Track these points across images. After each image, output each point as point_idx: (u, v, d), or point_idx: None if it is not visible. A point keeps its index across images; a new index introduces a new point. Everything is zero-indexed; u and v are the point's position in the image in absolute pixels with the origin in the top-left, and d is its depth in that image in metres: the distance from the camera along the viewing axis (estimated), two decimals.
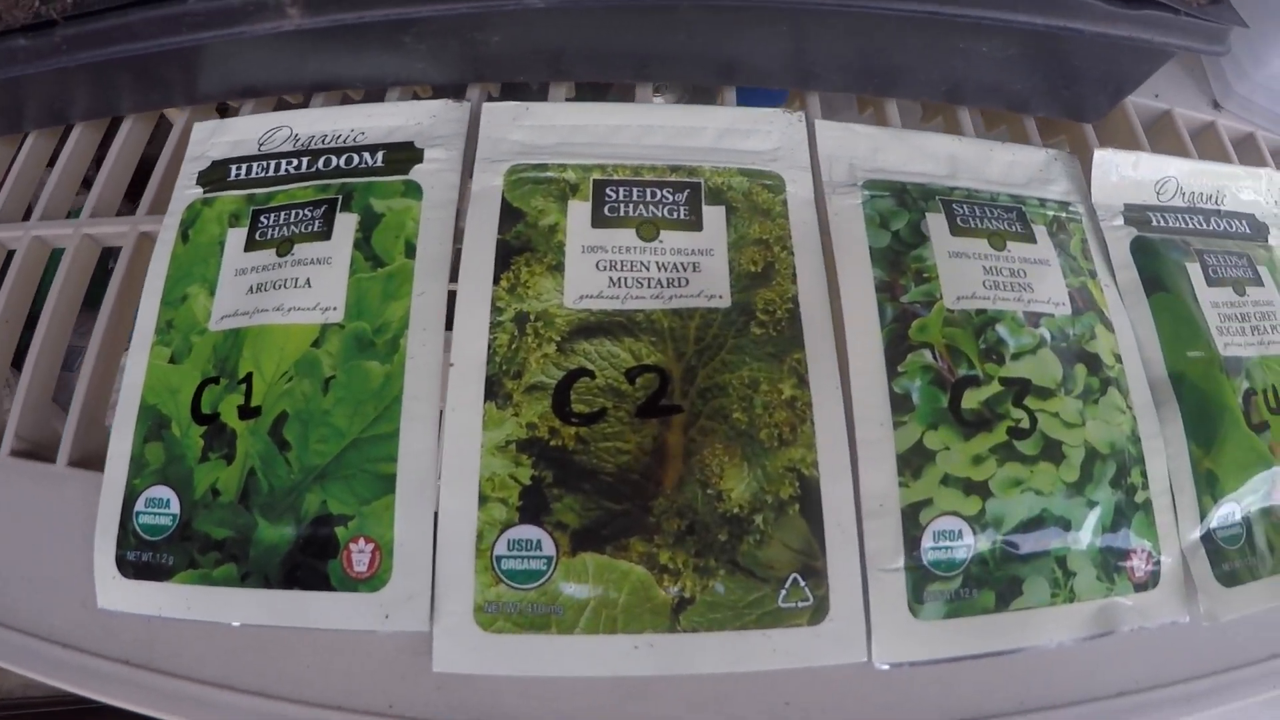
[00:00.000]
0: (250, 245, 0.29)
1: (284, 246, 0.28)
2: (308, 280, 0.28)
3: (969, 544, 0.25)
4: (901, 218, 0.30)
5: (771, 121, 0.31)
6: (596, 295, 0.27)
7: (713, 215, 0.29)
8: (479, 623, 0.24)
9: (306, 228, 0.29)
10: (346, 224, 0.29)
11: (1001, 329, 0.28)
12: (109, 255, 0.33)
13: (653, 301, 0.27)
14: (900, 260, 0.29)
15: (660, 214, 0.29)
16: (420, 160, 0.30)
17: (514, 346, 0.26)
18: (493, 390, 0.26)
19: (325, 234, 0.28)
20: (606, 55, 0.32)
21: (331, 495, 0.25)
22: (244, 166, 0.31)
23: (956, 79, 0.33)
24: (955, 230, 0.30)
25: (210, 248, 0.29)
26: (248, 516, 0.25)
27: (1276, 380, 0.30)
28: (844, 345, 0.27)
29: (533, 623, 0.24)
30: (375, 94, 0.34)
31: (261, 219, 0.29)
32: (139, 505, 0.26)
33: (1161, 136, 0.38)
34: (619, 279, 0.27)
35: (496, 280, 0.27)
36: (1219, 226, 0.33)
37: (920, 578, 0.25)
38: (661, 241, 0.28)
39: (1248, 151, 0.39)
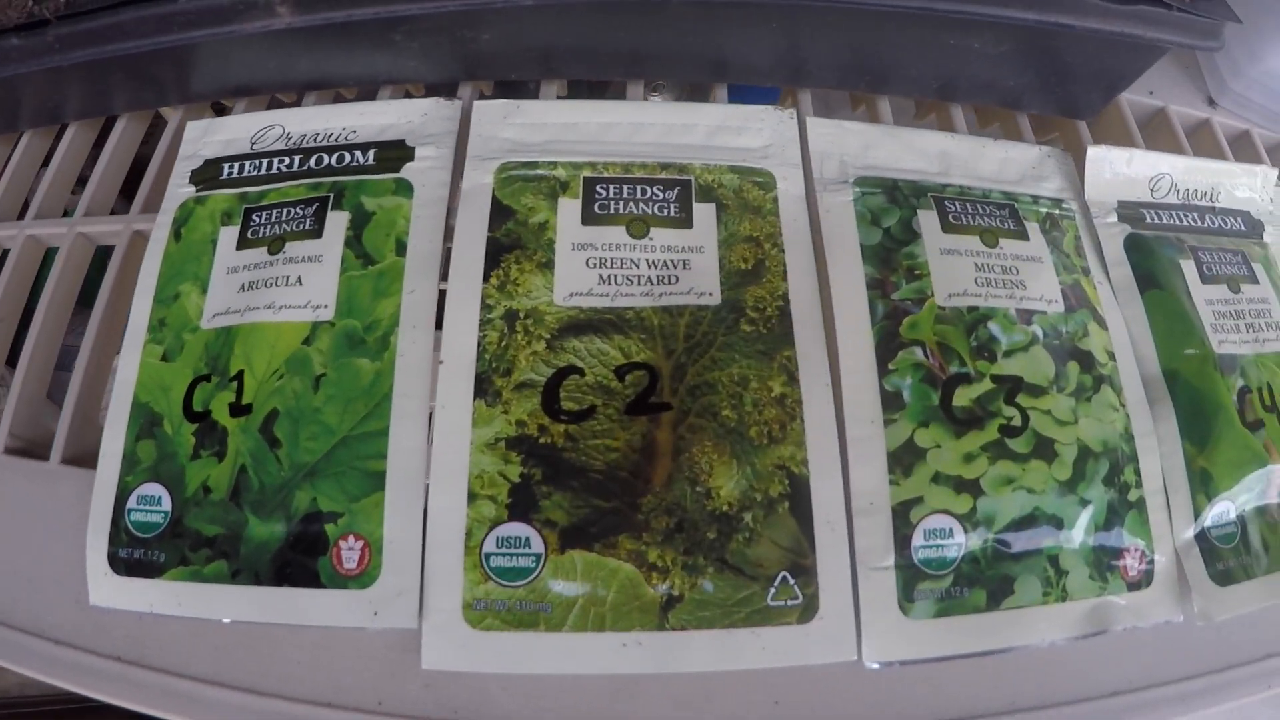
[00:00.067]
0: (242, 243, 0.29)
1: (275, 245, 0.29)
2: (299, 278, 0.28)
3: (960, 542, 0.25)
4: (893, 215, 0.30)
5: (762, 119, 0.31)
6: (586, 293, 0.27)
7: (703, 212, 0.29)
8: (467, 620, 0.24)
9: (298, 226, 0.29)
10: (338, 222, 0.29)
11: (993, 326, 0.28)
12: (104, 254, 0.33)
13: (643, 299, 0.27)
14: (891, 257, 0.29)
15: (650, 211, 0.29)
16: (411, 158, 0.30)
17: (504, 344, 0.26)
18: (482, 388, 0.26)
19: (316, 232, 0.29)
20: (597, 53, 0.32)
21: (321, 492, 0.25)
22: (236, 165, 0.31)
23: (949, 76, 0.33)
24: (947, 227, 0.30)
25: (202, 246, 0.29)
26: (238, 514, 0.25)
27: (1271, 378, 0.30)
28: (835, 342, 0.27)
29: (521, 620, 0.24)
30: (368, 92, 0.34)
31: (253, 217, 0.29)
32: (131, 502, 0.26)
33: (1156, 133, 0.38)
34: (609, 276, 0.27)
35: (487, 278, 0.27)
36: (1213, 224, 0.33)
37: (911, 576, 0.25)
38: (652, 239, 0.28)
39: (1243, 148, 0.39)
